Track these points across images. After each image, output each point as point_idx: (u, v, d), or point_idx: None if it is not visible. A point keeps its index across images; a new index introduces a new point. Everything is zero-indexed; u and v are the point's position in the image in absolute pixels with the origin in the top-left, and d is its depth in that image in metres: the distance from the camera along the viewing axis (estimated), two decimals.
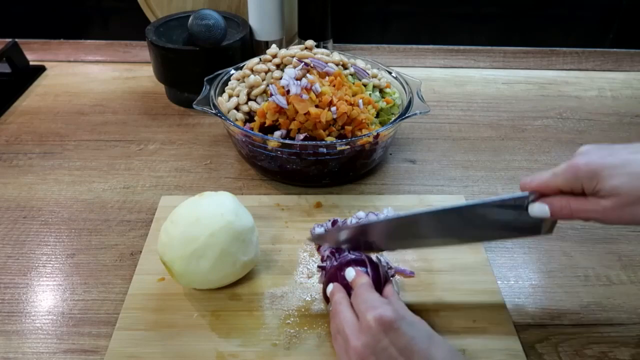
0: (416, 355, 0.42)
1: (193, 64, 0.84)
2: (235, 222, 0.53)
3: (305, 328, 0.53)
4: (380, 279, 0.51)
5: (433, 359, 0.42)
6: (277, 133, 0.68)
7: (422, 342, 0.43)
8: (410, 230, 0.53)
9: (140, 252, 0.61)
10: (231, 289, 0.56)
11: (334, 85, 0.71)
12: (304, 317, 0.54)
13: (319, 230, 0.62)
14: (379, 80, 0.77)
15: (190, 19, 0.83)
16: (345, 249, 0.56)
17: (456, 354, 0.44)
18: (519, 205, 0.48)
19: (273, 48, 0.77)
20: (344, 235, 0.54)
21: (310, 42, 0.77)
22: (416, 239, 0.54)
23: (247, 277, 0.57)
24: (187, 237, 0.51)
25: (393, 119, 0.72)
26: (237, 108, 0.73)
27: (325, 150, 0.65)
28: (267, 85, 0.73)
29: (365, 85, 0.75)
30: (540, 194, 0.48)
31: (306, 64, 0.72)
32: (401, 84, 0.77)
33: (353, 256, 0.53)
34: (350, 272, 0.51)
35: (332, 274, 0.52)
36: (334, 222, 0.63)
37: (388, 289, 0.50)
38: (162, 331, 0.52)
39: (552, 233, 0.50)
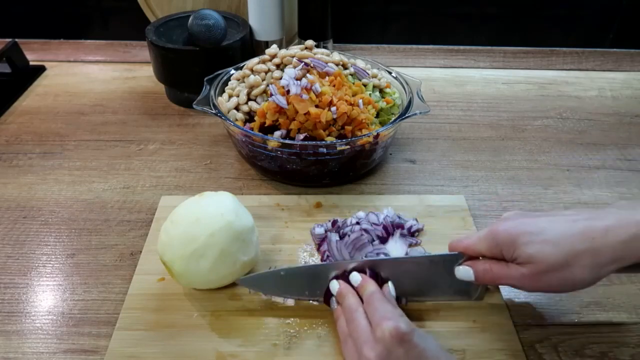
0: None
1: (193, 64, 0.84)
2: (235, 222, 0.53)
3: (305, 328, 0.53)
4: (379, 283, 0.51)
5: None
6: (277, 133, 0.68)
7: (433, 354, 0.43)
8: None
9: (140, 252, 0.61)
10: (231, 289, 0.56)
11: (334, 85, 0.71)
12: (304, 317, 0.54)
13: (319, 230, 0.62)
14: (379, 80, 0.77)
15: (190, 19, 0.83)
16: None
17: None
18: (448, 264, 0.51)
19: (273, 48, 0.77)
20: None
21: (310, 42, 0.77)
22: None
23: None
24: (187, 237, 0.51)
25: (393, 119, 0.72)
26: (237, 108, 0.73)
27: (325, 150, 0.65)
28: (267, 85, 0.73)
29: (365, 85, 0.75)
30: (468, 257, 0.50)
31: (306, 64, 0.72)
32: (401, 84, 0.77)
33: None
34: (355, 277, 0.51)
35: (336, 277, 0.53)
36: (334, 222, 0.63)
37: (385, 292, 0.50)
38: (162, 331, 0.52)
39: (483, 300, 0.53)
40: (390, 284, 0.52)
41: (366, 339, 0.44)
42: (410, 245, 0.61)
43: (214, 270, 0.52)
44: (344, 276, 0.52)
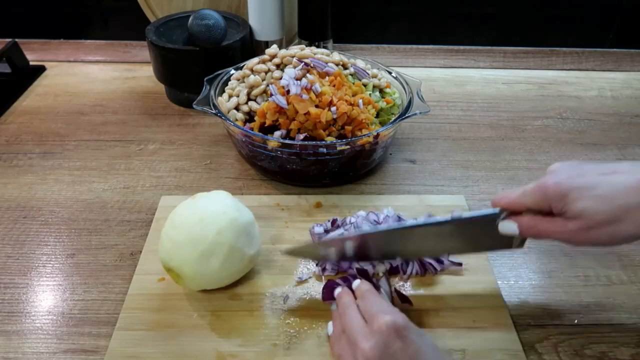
0: None
1: (193, 64, 0.84)
2: (238, 217, 0.53)
3: (305, 328, 0.53)
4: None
5: None
6: (277, 133, 0.68)
7: (428, 353, 0.43)
8: (391, 243, 0.53)
9: (140, 252, 0.61)
10: (231, 289, 0.56)
11: (334, 85, 0.71)
12: (304, 317, 0.54)
13: (318, 229, 0.62)
14: (379, 80, 0.77)
15: (190, 19, 0.83)
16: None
17: None
18: (490, 221, 0.50)
19: (273, 48, 0.77)
20: (324, 250, 0.55)
21: (302, 46, 0.77)
22: (399, 250, 0.55)
23: (247, 277, 0.57)
24: (194, 239, 0.51)
25: (393, 119, 0.72)
26: (237, 108, 0.73)
27: (325, 150, 0.65)
28: (267, 85, 0.73)
29: (365, 85, 0.75)
30: (511, 212, 0.49)
31: (306, 64, 0.72)
32: (401, 84, 0.77)
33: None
34: (356, 283, 0.51)
35: (333, 283, 0.53)
36: (334, 222, 0.63)
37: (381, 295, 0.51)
38: (162, 331, 0.52)
39: (524, 247, 0.51)
40: (383, 281, 0.53)
41: (361, 332, 0.44)
42: None
43: (224, 267, 0.52)
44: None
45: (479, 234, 0.51)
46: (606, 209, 0.43)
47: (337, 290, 0.52)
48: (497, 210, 0.49)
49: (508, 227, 0.49)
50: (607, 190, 0.43)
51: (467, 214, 0.50)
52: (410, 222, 0.53)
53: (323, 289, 0.54)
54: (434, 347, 0.45)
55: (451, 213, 0.51)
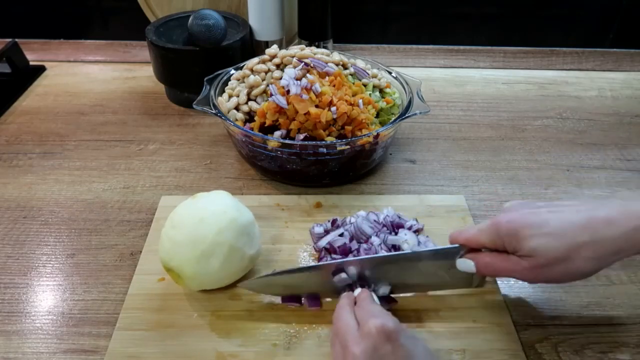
0: None
1: (193, 64, 0.84)
2: (239, 217, 0.53)
3: (305, 328, 0.53)
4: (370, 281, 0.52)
5: None
6: (277, 133, 0.68)
7: (419, 357, 0.43)
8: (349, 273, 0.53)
9: (140, 252, 0.61)
10: (231, 289, 0.56)
11: (334, 85, 0.71)
12: (303, 317, 0.54)
13: (318, 229, 0.62)
14: (379, 80, 0.77)
15: (190, 19, 0.83)
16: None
17: None
18: (449, 257, 0.51)
19: (273, 48, 0.77)
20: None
21: (302, 46, 0.77)
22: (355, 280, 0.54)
23: (247, 277, 0.57)
24: (194, 239, 0.51)
25: (393, 119, 0.72)
26: (237, 108, 0.73)
27: (325, 150, 0.65)
28: (267, 85, 0.73)
29: (365, 85, 0.75)
30: (469, 249, 0.50)
31: (306, 64, 0.72)
32: (401, 84, 0.77)
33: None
34: (356, 290, 0.51)
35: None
36: (334, 222, 0.63)
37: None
38: (162, 331, 0.52)
39: (483, 286, 0.52)
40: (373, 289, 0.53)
41: (352, 335, 0.44)
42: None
43: (224, 267, 0.52)
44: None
45: (440, 269, 0.52)
46: (557, 247, 0.44)
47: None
48: (455, 246, 0.51)
49: (465, 264, 0.50)
50: (558, 227, 0.44)
51: (426, 248, 0.52)
52: (368, 256, 0.53)
53: (306, 298, 0.54)
54: (426, 350, 0.44)
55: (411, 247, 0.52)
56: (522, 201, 0.50)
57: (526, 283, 0.59)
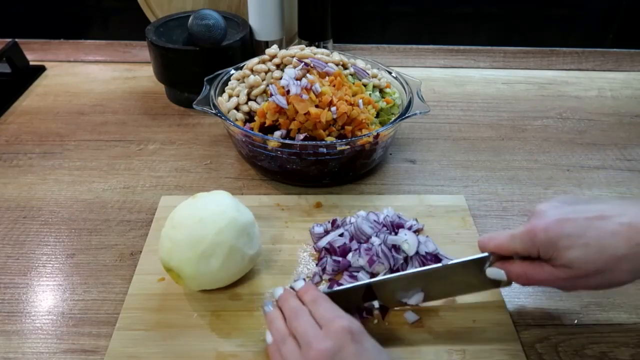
0: None
1: (193, 64, 0.84)
2: (238, 217, 0.53)
3: None
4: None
5: None
6: (277, 133, 0.68)
7: None
8: (384, 291, 0.52)
9: (140, 252, 0.61)
10: (231, 289, 0.56)
11: (334, 85, 0.71)
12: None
13: (318, 229, 0.62)
14: (379, 80, 0.77)
15: (190, 19, 0.83)
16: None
17: None
18: (479, 265, 0.50)
19: (273, 48, 0.77)
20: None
21: (302, 46, 0.77)
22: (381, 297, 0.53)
23: (247, 277, 0.57)
24: (194, 239, 0.51)
25: (393, 119, 0.72)
26: (237, 108, 0.73)
27: (325, 150, 0.65)
28: (267, 85, 0.73)
29: (365, 85, 0.75)
30: (498, 256, 0.49)
31: (306, 64, 0.72)
32: (401, 84, 0.77)
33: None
34: (299, 283, 0.50)
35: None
36: (334, 222, 0.63)
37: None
38: (162, 331, 0.52)
39: (511, 285, 0.51)
40: None
41: (315, 335, 0.42)
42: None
43: (224, 268, 0.52)
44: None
45: (469, 277, 0.51)
46: (596, 259, 0.43)
47: (278, 291, 0.50)
48: (485, 254, 0.49)
49: (496, 273, 0.49)
50: (596, 238, 0.43)
51: (456, 260, 0.50)
52: (405, 272, 0.52)
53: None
54: (386, 356, 0.44)
55: (442, 261, 0.51)
56: (557, 203, 0.47)
57: None
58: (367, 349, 0.42)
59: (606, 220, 0.43)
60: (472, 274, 0.51)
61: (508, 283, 0.50)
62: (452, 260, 0.51)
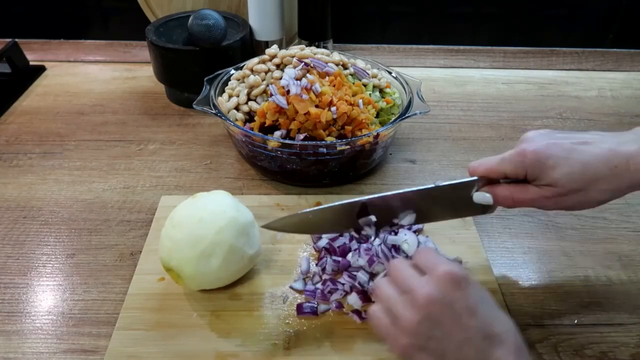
0: (479, 319, 0.40)
1: (193, 64, 0.84)
2: (238, 217, 0.53)
3: (305, 328, 0.53)
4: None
5: (493, 326, 0.40)
6: (277, 133, 0.68)
7: (486, 308, 0.41)
8: (375, 210, 0.54)
9: (140, 252, 0.61)
10: (231, 288, 0.56)
11: (334, 85, 0.71)
12: (303, 317, 0.54)
13: None
14: (379, 80, 0.77)
15: (190, 19, 0.83)
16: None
17: (516, 333, 0.41)
18: (468, 189, 0.52)
19: (273, 48, 0.77)
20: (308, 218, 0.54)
21: (302, 46, 0.77)
22: (381, 217, 0.55)
23: (246, 277, 0.57)
24: (194, 238, 0.51)
25: (393, 119, 0.72)
26: (237, 108, 0.73)
27: (325, 150, 0.65)
28: (267, 85, 0.73)
29: (365, 85, 0.75)
30: (487, 180, 0.52)
31: (306, 64, 0.72)
32: (401, 84, 0.77)
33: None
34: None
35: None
36: None
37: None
38: (162, 331, 0.52)
39: (494, 212, 0.54)
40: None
41: (417, 281, 0.42)
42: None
43: (224, 267, 0.52)
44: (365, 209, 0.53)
45: (457, 200, 0.54)
46: (578, 178, 0.47)
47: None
48: (474, 178, 0.52)
49: (483, 197, 0.52)
50: (580, 159, 0.47)
51: (447, 181, 0.53)
52: (397, 191, 0.54)
53: (297, 306, 0.54)
54: (493, 304, 0.43)
55: (434, 182, 0.53)
56: (543, 131, 0.50)
57: (526, 283, 0.59)
58: (470, 295, 0.41)
59: (590, 145, 0.47)
60: (460, 198, 0.53)
61: (493, 208, 0.53)
62: (441, 183, 0.53)
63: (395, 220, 0.55)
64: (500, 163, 0.50)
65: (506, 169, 0.50)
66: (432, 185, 0.53)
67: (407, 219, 0.54)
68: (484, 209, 0.54)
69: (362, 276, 0.56)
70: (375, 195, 0.53)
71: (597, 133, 0.49)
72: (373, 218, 0.54)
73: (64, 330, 0.53)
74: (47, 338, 0.53)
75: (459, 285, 0.41)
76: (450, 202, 0.54)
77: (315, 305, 0.54)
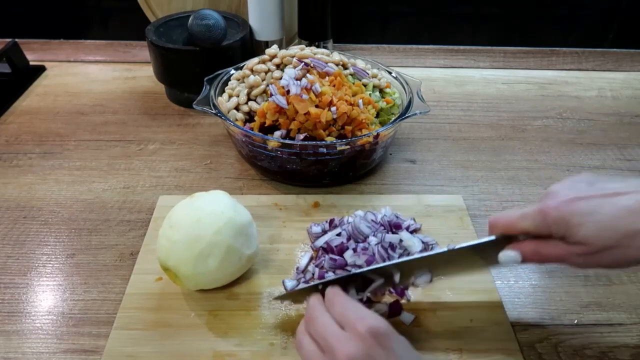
0: None
1: (193, 64, 0.84)
2: (236, 217, 0.53)
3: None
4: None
5: None
6: (277, 133, 0.68)
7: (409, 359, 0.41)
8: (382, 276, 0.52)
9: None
10: (229, 288, 0.56)
11: (334, 85, 0.71)
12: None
13: (316, 229, 0.62)
14: (379, 80, 0.77)
15: (190, 19, 0.83)
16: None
17: None
18: (488, 248, 0.49)
19: (273, 48, 0.77)
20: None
21: (302, 46, 0.77)
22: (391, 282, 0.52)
23: (244, 277, 0.57)
24: (192, 239, 0.51)
25: (393, 119, 0.72)
26: (237, 108, 0.73)
27: (325, 150, 0.65)
28: (267, 85, 0.73)
29: (365, 85, 0.75)
30: (506, 236, 0.48)
31: (306, 64, 0.72)
32: (401, 84, 0.77)
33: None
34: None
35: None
36: (331, 222, 0.63)
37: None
38: (160, 331, 0.52)
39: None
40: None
41: (337, 338, 0.40)
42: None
43: (221, 267, 0.52)
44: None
45: (479, 260, 0.51)
46: (609, 235, 0.42)
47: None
48: (492, 237, 0.48)
49: (510, 256, 0.47)
50: (610, 214, 0.42)
51: (463, 244, 0.49)
52: (402, 259, 0.51)
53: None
54: (414, 354, 0.42)
55: (447, 245, 0.50)
56: (570, 183, 0.46)
57: (526, 283, 0.59)
58: (394, 350, 0.40)
59: (620, 196, 0.43)
60: (482, 257, 0.50)
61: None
62: (457, 246, 0.50)
63: (412, 282, 0.52)
64: (521, 219, 0.46)
65: (527, 225, 0.46)
66: (446, 250, 0.50)
67: (422, 279, 0.52)
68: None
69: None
70: (386, 264, 0.50)
71: (629, 180, 0.44)
72: (380, 280, 0.51)
73: (64, 330, 0.53)
74: (47, 338, 0.53)
75: (381, 341, 0.39)
76: (471, 262, 0.51)
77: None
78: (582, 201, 0.43)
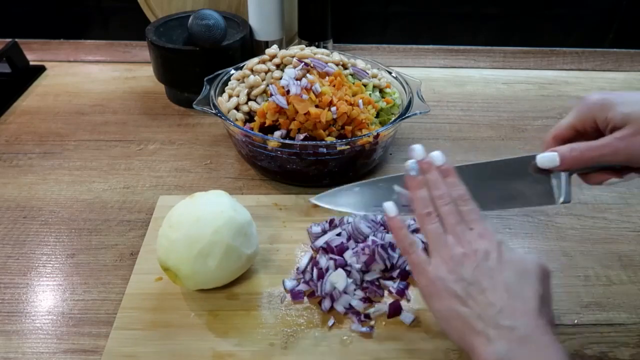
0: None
1: (193, 64, 0.84)
2: (235, 217, 0.53)
3: (302, 327, 0.53)
4: None
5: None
6: (277, 133, 0.68)
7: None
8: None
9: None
10: (229, 288, 0.56)
11: (334, 85, 0.71)
12: (301, 317, 0.54)
13: (316, 229, 0.62)
14: (379, 80, 0.77)
15: (190, 19, 0.83)
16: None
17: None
18: (530, 166, 0.48)
19: (273, 48, 0.77)
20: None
21: (302, 46, 0.77)
22: None
23: (244, 277, 0.57)
24: (191, 238, 0.51)
25: (393, 119, 0.72)
26: (237, 108, 0.73)
27: (325, 150, 0.65)
28: (267, 85, 0.73)
29: (365, 85, 0.75)
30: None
31: (306, 64, 0.72)
32: (401, 84, 0.77)
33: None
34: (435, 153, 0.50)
35: None
36: (331, 222, 0.63)
37: None
38: (160, 331, 0.52)
39: (571, 202, 0.47)
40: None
41: (466, 233, 0.44)
42: None
43: (221, 267, 0.52)
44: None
45: (520, 183, 0.49)
46: None
47: (418, 151, 0.51)
48: (534, 154, 0.47)
49: (547, 157, 0.47)
50: None
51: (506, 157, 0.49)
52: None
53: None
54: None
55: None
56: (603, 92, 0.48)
57: None
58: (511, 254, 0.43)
59: None
60: (522, 178, 0.49)
61: (566, 196, 0.47)
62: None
63: None
64: (565, 119, 0.47)
65: (572, 121, 0.47)
66: (487, 161, 0.49)
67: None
68: (551, 195, 0.48)
69: (356, 274, 0.56)
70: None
71: None
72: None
73: (64, 330, 0.53)
74: (47, 338, 0.53)
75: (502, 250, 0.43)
76: (512, 184, 0.49)
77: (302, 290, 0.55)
78: (620, 94, 0.45)
